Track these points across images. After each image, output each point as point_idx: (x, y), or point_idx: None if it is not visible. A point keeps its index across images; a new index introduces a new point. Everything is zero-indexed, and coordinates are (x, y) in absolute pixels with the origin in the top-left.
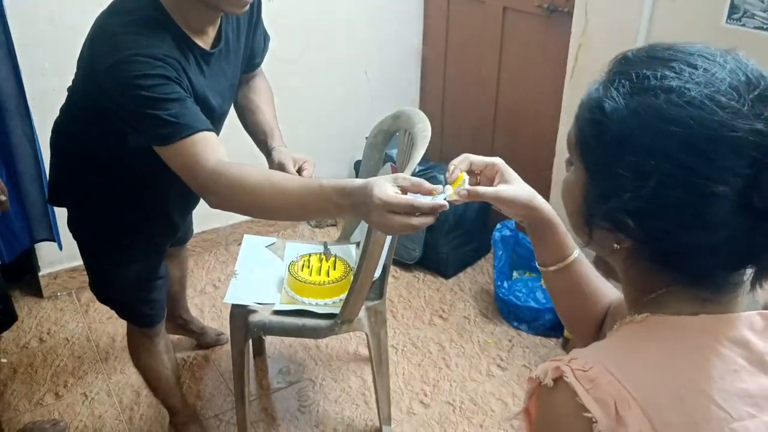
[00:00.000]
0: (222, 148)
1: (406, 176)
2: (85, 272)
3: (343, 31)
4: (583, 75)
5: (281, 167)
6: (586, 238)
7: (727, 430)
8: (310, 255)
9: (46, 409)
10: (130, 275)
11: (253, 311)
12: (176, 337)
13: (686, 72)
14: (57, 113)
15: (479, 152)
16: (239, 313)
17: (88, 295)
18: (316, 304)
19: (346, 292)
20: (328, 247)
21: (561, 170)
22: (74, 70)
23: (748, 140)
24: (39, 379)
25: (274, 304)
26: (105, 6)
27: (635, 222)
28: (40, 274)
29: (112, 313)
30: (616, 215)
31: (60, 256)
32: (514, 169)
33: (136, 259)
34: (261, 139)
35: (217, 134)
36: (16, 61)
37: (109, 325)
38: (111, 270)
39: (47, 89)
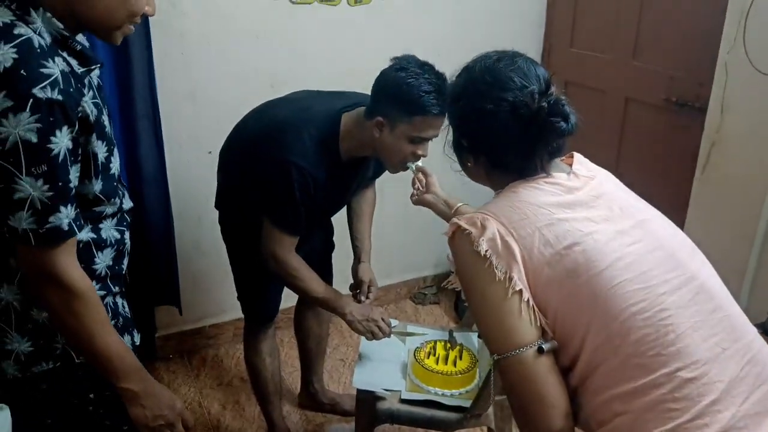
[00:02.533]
0: (293, 249)
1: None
2: (197, 337)
3: None
4: (716, 172)
5: (359, 283)
6: (460, 161)
7: (544, 216)
8: (435, 342)
9: None
10: (247, 274)
11: (381, 398)
12: (285, 408)
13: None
14: (190, 182)
15: None
16: (366, 399)
17: (198, 359)
18: (443, 394)
19: (474, 383)
20: (454, 334)
21: None
22: (210, 145)
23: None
24: None
25: (400, 391)
26: (239, 88)
27: (467, 142)
28: (156, 335)
29: (222, 378)
30: (460, 142)
31: (175, 319)
32: None
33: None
34: (355, 244)
35: (325, 219)
36: (161, 132)
37: (220, 392)
38: (240, 267)
39: (182, 160)
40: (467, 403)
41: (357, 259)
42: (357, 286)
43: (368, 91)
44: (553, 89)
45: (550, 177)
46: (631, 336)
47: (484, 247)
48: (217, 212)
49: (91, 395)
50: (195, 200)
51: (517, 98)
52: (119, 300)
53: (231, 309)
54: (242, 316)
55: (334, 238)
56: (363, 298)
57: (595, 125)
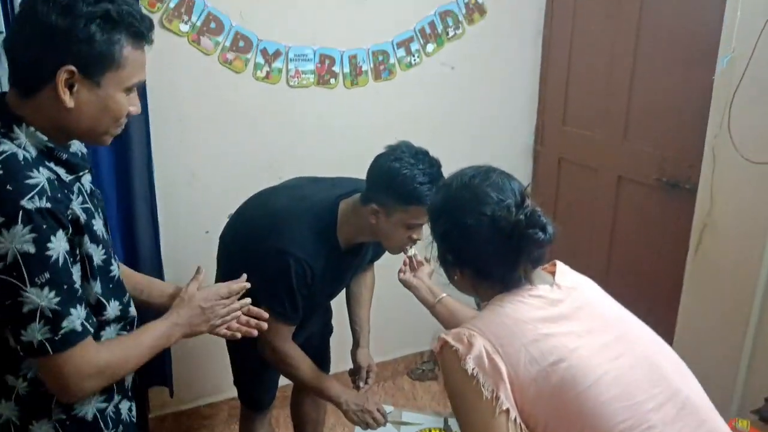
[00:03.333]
0: (289, 338)
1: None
2: (191, 417)
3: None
4: (709, 254)
5: (358, 368)
6: (447, 274)
7: (529, 333)
8: (430, 430)
9: None
10: (246, 362)
11: None
12: None
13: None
14: (186, 261)
15: None
16: None
17: None
18: None
19: None
20: (449, 422)
21: (683, 348)
22: (208, 225)
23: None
24: None
25: None
26: (238, 172)
27: (453, 257)
28: (149, 416)
29: None
30: (445, 256)
31: (169, 399)
32: None
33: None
34: (354, 329)
35: (329, 300)
36: (156, 216)
37: None
38: (238, 352)
39: (179, 240)
40: None
41: (356, 344)
42: (356, 372)
43: (365, 173)
44: (528, 201)
45: (535, 289)
46: None
47: (470, 365)
48: None
49: None
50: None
51: (496, 212)
52: (123, 405)
53: (226, 388)
54: (237, 395)
55: (333, 321)
56: (362, 384)
57: (588, 202)
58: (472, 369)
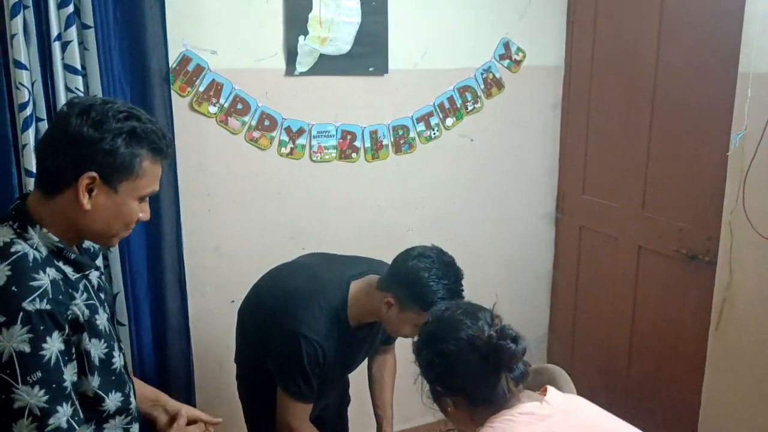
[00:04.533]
0: (307, 418)
1: None
2: None
3: (475, 252)
4: (731, 328)
5: None
6: (441, 409)
7: None
8: None
9: None
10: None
11: None
12: None
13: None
14: (212, 333)
15: (612, 387)
16: None
17: None
18: None
19: None
20: None
21: (709, 421)
22: (234, 294)
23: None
24: None
25: None
26: (261, 240)
27: (442, 388)
28: None
29: None
30: (436, 390)
31: None
32: (652, 407)
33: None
34: (377, 412)
35: (344, 375)
36: (185, 286)
37: None
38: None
39: (205, 309)
40: None
41: (379, 428)
42: None
43: (383, 243)
44: (497, 320)
45: (523, 407)
46: None
47: None
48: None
49: None
50: (216, 348)
51: (470, 334)
52: (134, 427)
53: None
54: None
55: (351, 393)
56: None
57: (610, 271)
58: None
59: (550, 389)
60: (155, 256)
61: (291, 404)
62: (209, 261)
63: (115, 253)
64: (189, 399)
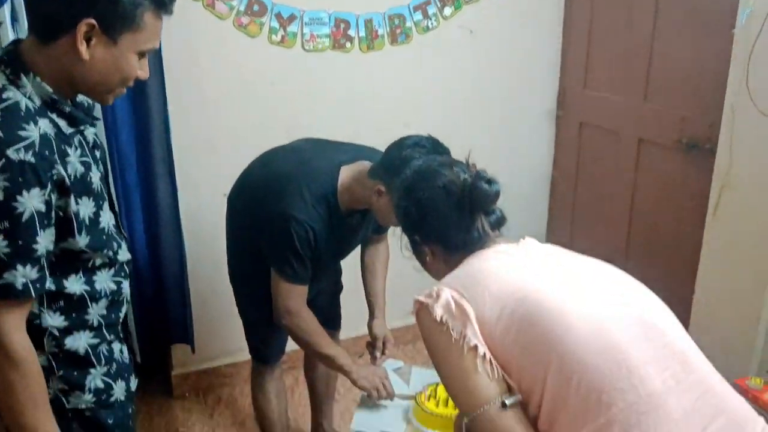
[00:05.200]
0: (304, 300)
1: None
2: (213, 375)
3: (472, 152)
4: (728, 214)
5: (374, 338)
6: (420, 260)
7: (492, 277)
8: (437, 385)
9: None
10: (253, 320)
11: None
12: None
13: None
14: (205, 228)
15: None
16: None
17: (214, 397)
18: None
19: None
20: None
21: (702, 309)
22: (226, 188)
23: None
24: None
25: None
26: (253, 133)
27: (420, 237)
28: (172, 373)
29: (236, 417)
30: (413, 239)
31: (192, 357)
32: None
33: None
34: (370, 300)
35: (336, 261)
36: (174, 177)
37: (233, 431)
38: (246, 311)
39: (198, 204)
40: None
41: (372, 316)
42: (372, 343)
43: (380, 139)
44: (473, 167)
45: (499, 247)
46: (587, 374)
47: (439, 312)
48: None
49: None
50: (210, 243)
51: (446, 181)
52: (115, 346)
53: (247, 348)
54: None
55: (343, 279)
56: (378, 354)
57: (609, 166)
58: (441, 316)
59: (529, 239)
60: (144, 144)
61: (287, 287)
62: (201, 154)
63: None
64: (183, 294)
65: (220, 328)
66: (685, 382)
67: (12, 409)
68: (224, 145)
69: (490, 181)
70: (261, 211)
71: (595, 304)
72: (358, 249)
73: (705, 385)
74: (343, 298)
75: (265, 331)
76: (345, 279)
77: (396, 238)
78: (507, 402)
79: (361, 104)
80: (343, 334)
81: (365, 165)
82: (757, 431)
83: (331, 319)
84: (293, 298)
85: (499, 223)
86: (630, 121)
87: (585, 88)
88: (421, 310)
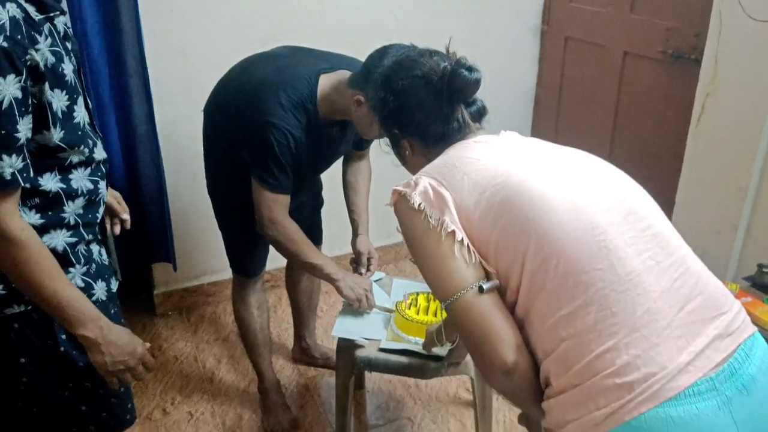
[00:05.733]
0: (287, 209)
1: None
2: (195, 294)
3: None
4: (711, 123)
5: (358, 254)
6: (399, 155)
7: (471, 163)
8: (417, 294)
9: (154, 424)
10: (232, 232)
11: (360, 346)
12: (279, 363)
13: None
14: (182, 139)
15: None
16: (346, 347)
17: (197, 315)
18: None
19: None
20: None
21: (682, 217)
22: (200, 98)
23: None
24: (149, 394)
25: (380, 340)
26: (230, 44)
27: (399, 130)
28: (154, 292)
29: (219, 333)
30: (392, 132)
31: (174, 276)
32: None
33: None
34: (353, 218)
35: (316, 174)
36: (149, 90)
37: (216, 347)
38: (225, 224)
39: (175, 117)
40: (446, 353)
41: (355, 233)
42: (357, 260)
43: (358, 48)
44: (453, 54)
45: (479, 137)
46: (566, 254)
47: (417, 200)
48: None
49: (63, 336)
50: (188, 158)
51: (425, 70)
52: (94, 247)
53: (229, 267)
54: None
55: (325, 198)
56: (363, 270)
57: (594, 80)
58: (419, 204)
59: (511, 132)
60: (117, 57)
61: (270, 197)
62: (176, 65)
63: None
64: (163, 211)
65: (201, 246)
66: (664, 263)
67: (31, 287)
68: (199, 55)
69: (470, 69)
70: (239, 119)
71: (576, 188)
72: (341, 168)
73: (684, 267)
74: (325, 217)
75: (245, 244)
76: (326, 198)
77: (378, 158)
78: (484, 287)
79: (340, 15)
80: (325, 252)
81: (345, 74)
82: (733, 310)
83: (312, 234)
84: (276, 208)
85: (480, 114)
86: (615, 34)
87: (570, 1)
88: (399, 200)
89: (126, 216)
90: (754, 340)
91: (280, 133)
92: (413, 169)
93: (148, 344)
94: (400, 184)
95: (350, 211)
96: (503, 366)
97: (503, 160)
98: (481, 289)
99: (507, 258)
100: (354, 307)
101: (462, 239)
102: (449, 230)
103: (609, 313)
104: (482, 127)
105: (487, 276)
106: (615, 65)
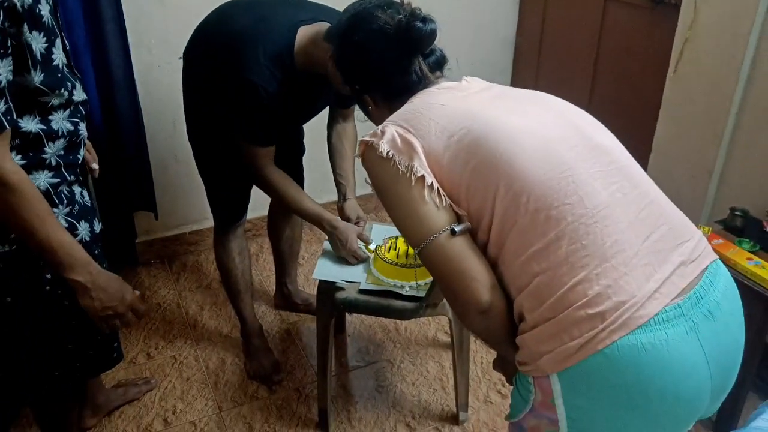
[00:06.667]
0: (272, 159)
1: (364, 234)
2: (177, 242)
3: (436, 15)
4: (688, 69)
5: (347, 219)
6: (364, 110)
7: (437, 108)
8: (396, 238)
9: (139, 368)
10: (212, 179)
11: (340, 289)
12: (261, 309)
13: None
14: (161, 87)
15: None
16: (326, 290)
17: (179, 264)
18: (402, 286)
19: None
20: None
21: (658, 163)
22: (178, 45)
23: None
24: (133, 340)
25: (360, 283)
26: None
27: (359, 85)
28: (136, 241)
29: (201, 281)
30: (354, 88)
31: (156, 225)
32: None
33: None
34: (339, 182)
35: (298, 124)
36: (126, 36)
37: (198, 294)
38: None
39: (152, 64)
40: (424, 295)
41: (342, 197)
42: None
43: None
44: (407, 5)
45: (444, 84)
46: (536, 191)
47: (385, 148)
48: None
49: (48, 275)
50: (168, 106)
51: (381, 23)
52: (76, 188)
53: (210, 216)
54: None
55: (305, 141)
56: (370, 244)
57: (574, 27)
58: (387, 151)
59: (475, 78)
60: (91, 1)
61: (251, 150)
62: (153, 11)
63: None
64: (143, 160)
65: (184, 196)
66: (630, 195)
67: (24, 230)
68: (177, 1)
69: (425, 20)
70: (217, 73)
71: (541, 127)
72: (323, 118)
73: (648, 198)
74: (307, 166)
75: (226, 191)
76: (307, 146)
77: (362, 123)
78: (456, 230)
79: None
80: None
81: (324, 26)
82: (695, 238)
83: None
84: (259, 160)
85: (439, 63)
86: None
87: None
88: (367, 150)
89: (95, 165)
90: (717, 267)
91: (257, 90)
92: (378, 121)
93: (137, 292)
94: (366, 135)
95: (336, 176)
96: (478, 305)
97: (468, 103)
98: (453, 232)
99: (478, 198)
100: (343, 257)
101: (432, 183)
102: (419, 175)
103: (579, 246)
104: (443, 75)
105: (459, 219)
106: (596, 12)
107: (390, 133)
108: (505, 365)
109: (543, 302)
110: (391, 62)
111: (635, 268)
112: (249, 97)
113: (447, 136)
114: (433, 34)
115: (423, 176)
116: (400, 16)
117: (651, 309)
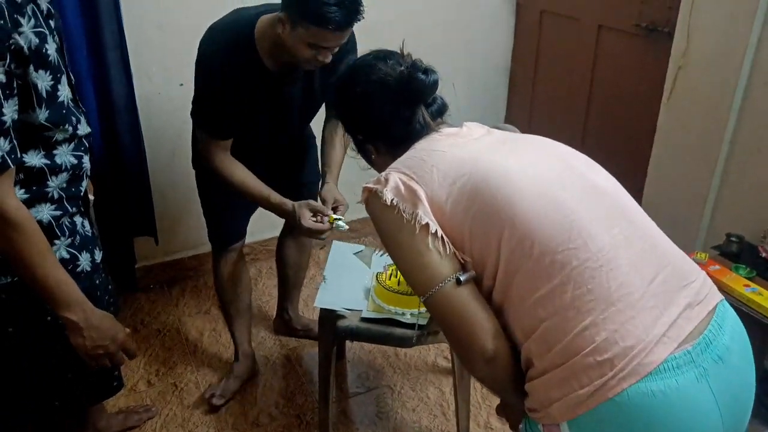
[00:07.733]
0: (228, 150)
1: (316, 204)
2: (177, 268)
3: (433, 43)
4: (682, 97)
5: (323, 201)
6: (366, 158)
7: (439, 155)
8: None
9: (139, 395)
10: (208, 200)
11: (342, 317)
12: (260, 335)
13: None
14: (161, 115)
15: None
16: (328, 318)
17: (179, 288)
18: (403, 313)
19: None
20: None
21: (654, 189)
22: (179, 73)
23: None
24: (133, 367)
25: (362, 311)
26: (208, 16)
27: (362, 135)
28: (136, 266)
29: (201, 307)
30: (356, 138)
31: (156, 250)
32: None
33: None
34: (324, 170)
35: (278, 131)
36: (129, 64)
37: (198, 320)
38: (203, 190)
39: (153, 93)
40: (425, 322)
41: (323, 181)
42: (319, 209)
43: None
44: (408, 57)
45: (446, 130)
46: (539, 235)
47: (389, 196)
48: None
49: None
50: (168, 133)
51: (381, 75)
52: (78, 219)
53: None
54: None
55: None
56: (325, 219)
57: (569, 54)
58: (391, 199)
59: (473, 123)
60: (94, 30)
61: (201, 136)
62: (154, 39)
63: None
64: (144, 186)
65: (184, 221)
66: (632, 237)
67: (24, 266)
68: (178, 29)
69: (426, 71)
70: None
71: (541, 170)
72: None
73: (651, 239)
74: None
75: (221, 212)
76: None
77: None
78: (461, 278)
79: None
80: None
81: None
82: (700, 279)
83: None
84: (206, 148)
85: (441, 111)
86: (590, 7)
87: None
88: (371, 197)
89: (90, 196)
90: (724, 309)
91: (209, 74)
92: (380, 168)
93: (128, 330)
94: (370, 181)
95: (322, 163)
96: (484, 354)
97: (469, 150)
98: (458, 281)
99: (482, 244)
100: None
101: (436, 231)
102: (423, 223)
103: (585, 291)
104: (444, 121)
105: (463, 266)
106: (590, 39)
107: (394, 181)
108: (509, 412)
109: (551, 348)
110: (393, 113)
111: (641, 311)
112: (204, 79)
113: (449, 182)
114: (434, 85)
115: (427, 224)
116: (402, 67)
117: (660, 354)
